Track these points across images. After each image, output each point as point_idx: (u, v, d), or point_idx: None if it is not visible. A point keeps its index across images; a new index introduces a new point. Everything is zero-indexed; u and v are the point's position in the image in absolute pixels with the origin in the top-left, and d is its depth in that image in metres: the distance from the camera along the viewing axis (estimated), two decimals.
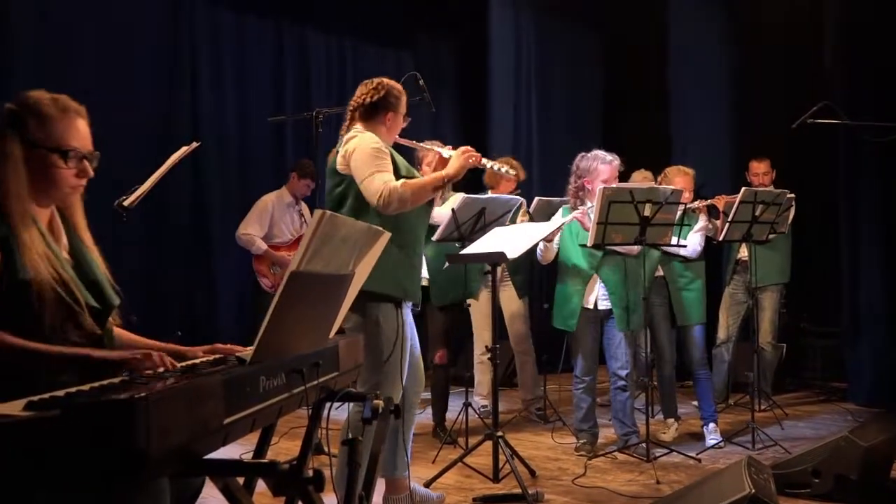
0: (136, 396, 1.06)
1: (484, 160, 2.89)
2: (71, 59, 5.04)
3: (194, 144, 3.54)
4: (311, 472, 1.29)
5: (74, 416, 1.08)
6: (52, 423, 1.09)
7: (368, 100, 2.84)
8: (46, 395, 1.19)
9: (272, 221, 5.24)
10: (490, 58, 6.92)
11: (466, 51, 7.46)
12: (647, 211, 3.63)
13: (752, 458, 2.65)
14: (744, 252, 5.09)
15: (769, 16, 6.30)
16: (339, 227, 1.56)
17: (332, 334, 1.86)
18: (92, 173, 1.78)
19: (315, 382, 1.71)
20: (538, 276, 6.13)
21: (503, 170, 3.02)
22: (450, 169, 2.78)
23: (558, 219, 3.93)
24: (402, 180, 2.69)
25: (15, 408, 1.16)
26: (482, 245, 3.49)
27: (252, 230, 5.17)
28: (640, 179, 4.64)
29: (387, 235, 1.94)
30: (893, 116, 4.61)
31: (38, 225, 1.70)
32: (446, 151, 2.93)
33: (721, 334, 5.23)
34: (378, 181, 2.64)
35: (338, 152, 2.80)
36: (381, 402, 1.94)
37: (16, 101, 1.71)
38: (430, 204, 2.92)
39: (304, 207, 5.42)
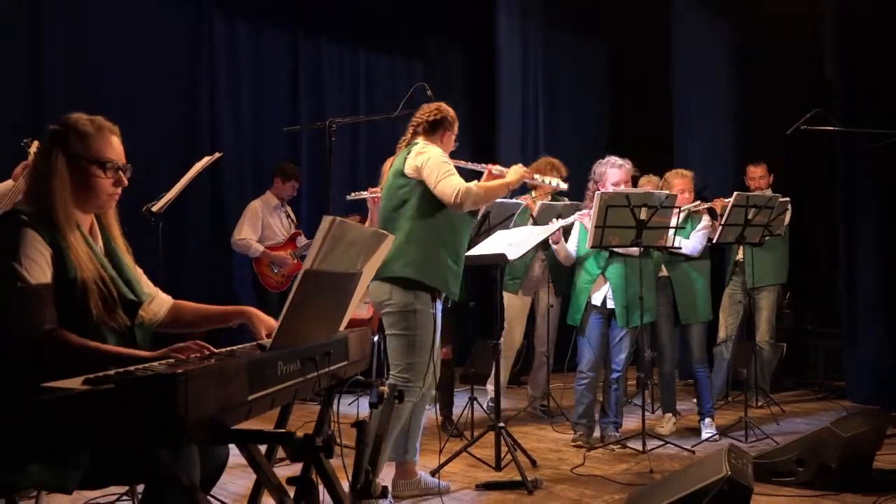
0: (177, 373, 1.29)
1: (536, 176, 3.46)
2: (99, 75, 5.33)
3: (217, 155, 3.77)
4: (321, 442, 1.50)
5: (127, 389, 1.30)
6: (108, 395, 1.31)
7: (431, 118, 3.27)
8: (101, 374, 1.41)
9: (263, 224, 5.47)
10: (498, 65, 7.13)
11: (475, 59, 7.67)
12: (643, 214, 3.82)
13: (733, 445, 2.84)
14: (741, 254, 5.27)
15: (770, 23, 6.47)
16: (347, 232, 1.78)
17: (342, 327, 2.08)
18: (126, 183, 2.03)
19: (326, 370, 1.93)
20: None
21: (554, 182, 3.50)
22: (511, 177, 3.24)
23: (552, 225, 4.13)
24: (474, 181, 3.11)
25: (74, 383, 1.38)
26: (485, 247, 3.70)
27: (246, 234, 5.40)
28: (645, 184, 4.81)
29: (391, 238, 2.15)
30: (886, 123, 4.78)
31: (80, 229, 1.94)
32: (496, 169, 3.33)
33: (721, 333, 5.40)
34: (454, 182, 3.04)
35: (405, 158, 3.16)
36: (385, 389, 2.16)
37: (59, 122, 1.97)
38: (474, 214, 3.30)
39: (289, 208, 5.67)
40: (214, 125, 5.98)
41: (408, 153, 3.19)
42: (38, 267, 1.78)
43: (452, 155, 3.37)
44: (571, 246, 4.19)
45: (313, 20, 6.60)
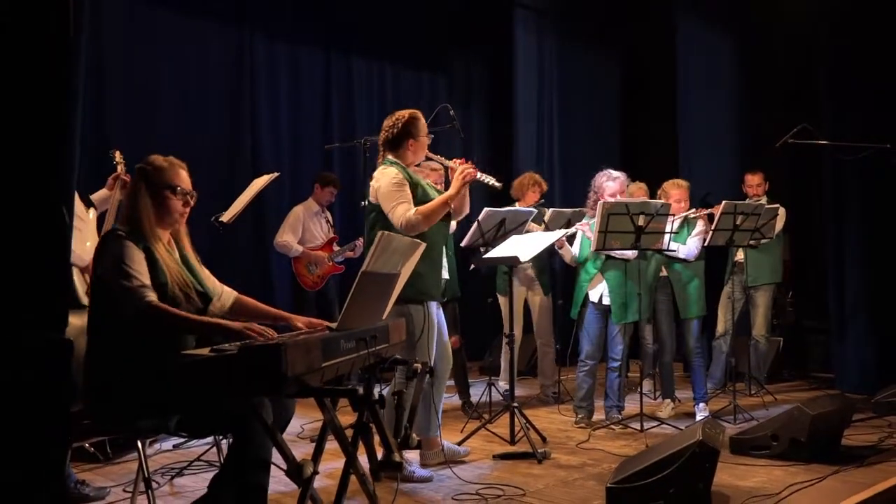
0: (281, 343, 1.84)
1: (478, 175, 3.46)
2: (153, 94, 5.91)
3: (275, 174, 4.36)
4: (376, 397, 2.05)
5: (246, 354, 1.86)
6: (231, 358, 1.87)
7: (392, 134, 3.55)
8: (222, 345, 1.97)
9: (304, 228, 6.01)
10: (515, 79, 7.65)
11: (495, 73, 8.18)
12: (641, 221, 4.33)
13: (711, 419, 3.35)
14: (740, 255, 5.77)
15: (770, 43, 6.97)
16: (391, 242, 2.33)
17: (384, 316, 2.63)
18: (192, 204, 2.67)
19: (373, 349, 2.48)
20: (560, 277, 6.88)
21: (489, 181, 3.55)
22: (451, 190, 3.46)
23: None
24: (414, 209, 3.39)
25: (203, 351, 1.95)
26: (501, 250, 4.23)
27: (287, 238, 5.95)
28: (635, 190, 5.30)
29: (423, 246, 2.70)
30: (867, 136, 5.25)
31: (162, 242, 2.53)
32: (459, 167, 3.48)
33: (720, 328, 5.89)
34: (399, 212, 3.38)
35: (370, 185, 3.55)
36: (419, 366, 2.70)
37: (142, 162, 2.63)
38: (448, 221, 3.67)
39: (329, 214, 6.23)
40: (255, 138, 6.55)
41: (371, 179, 3.54)
42: (138, 264, 2.39)
43: (441, 150, 3.65)
44: (575, 250, 4.73)
45: (344, 40, 7.15)
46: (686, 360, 5.38)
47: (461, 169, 3.45)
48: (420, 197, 3.50)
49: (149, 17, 5.93)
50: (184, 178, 2.63)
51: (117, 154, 4.02)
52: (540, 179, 5.62)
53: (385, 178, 3.44)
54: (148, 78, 5.91)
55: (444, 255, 3.71)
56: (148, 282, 2.36)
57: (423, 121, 3.61)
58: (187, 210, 2.64)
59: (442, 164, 3.74)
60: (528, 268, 5.46)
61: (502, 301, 5.44)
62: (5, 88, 1.29)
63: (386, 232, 2.19)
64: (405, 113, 3.58)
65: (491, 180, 3.53)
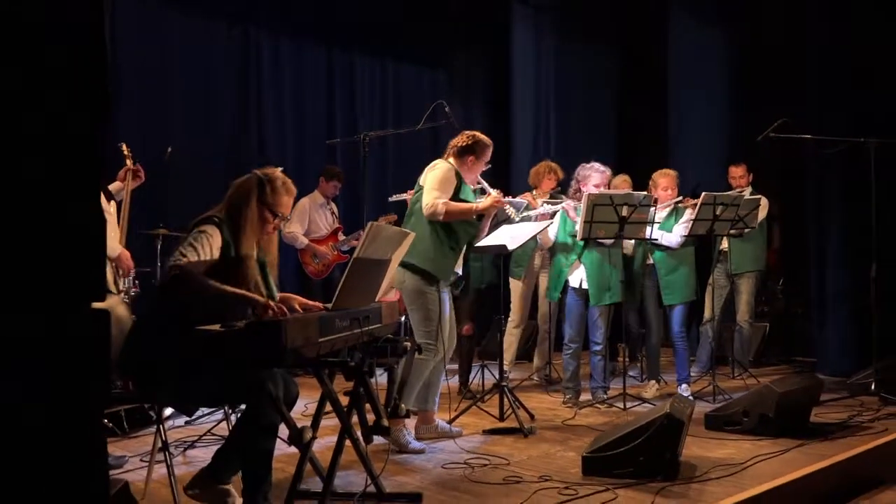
0: (282, 319, 2.12)
1: (506, 204, 4.17)
2: (164, 91, 6.21)
3: (280, 168, 4.63)
4: (366, 368, 2.33)
5: (252, 328, 2.14)
6: (239, 333, 2.16)
7: (463, 145, 4.04)
8: (230, 323, 2.25)
9: (310, 220, 6.30)
10: (513, 73, 7.89)
11: (494, 68, 8.42)
12: (625, 211, 4.59)
13: (680, 395, 3.62)
14: (725, 244, 6.02)
15: (761, 39, 7.21)
16: (381, 231, 2.61)
17: (378, 298, 2.90)
18: (280, 228, 2.90)
19: (366, 328, 2.76)
20: None
21: (509, 211, 4.23)
22: (480, 205, 3.99)
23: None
24: (444, 200, 3.82)
25: (215, 327, 2.23)
26: (491, 239, 4.50)
27: (294, 228, 6.23)
28: (620, 182, 5.55)
29: (412, 235, 2.97)
30: (853, 131, 5.48)
31: (250, 244, 2.74)
32: (495, 192, 4.07)
33: (706, 314, 6.13)
34: (429, 197, 3.84)
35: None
36: (409, 344, 2.98)
37: (264, 173, 2.85)
38: (480, 219, 4.08)
39: (334, 206, 6.50)
40: (261, 134, 6.83)
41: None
42: (204, 250, 2.56)
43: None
44: (552, 232, 4.95)
45: (347, 36, 7.41)
46: (672, 345, 5.66)
47: (497, 195, 4.03)
48: (460, 198, 3.97)
49: (157, 16, 6.22)
50: (287, 205, 2.87)
51: (125, 147, 4.30)
52: (556, 167, 5.81)
53: (440, 168, 3.92)
54: (156, 75, 6.19)
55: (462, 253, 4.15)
56: (200, 257, 2.49)
57: (490, 150, 4.12)
58: (273, 232, 2.89)
59: (485, 188, 4.20)
60: (542, 255, 5.68)
61: (514, 285, 5.66)
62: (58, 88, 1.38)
63: (376, 223, 2.46)
64: (483, 137, 4.10)
65: (511, 211, 4.29)
